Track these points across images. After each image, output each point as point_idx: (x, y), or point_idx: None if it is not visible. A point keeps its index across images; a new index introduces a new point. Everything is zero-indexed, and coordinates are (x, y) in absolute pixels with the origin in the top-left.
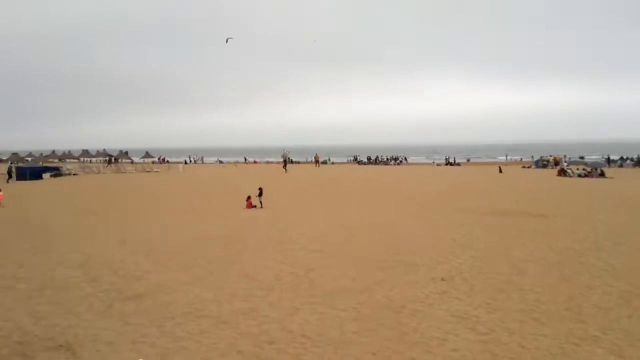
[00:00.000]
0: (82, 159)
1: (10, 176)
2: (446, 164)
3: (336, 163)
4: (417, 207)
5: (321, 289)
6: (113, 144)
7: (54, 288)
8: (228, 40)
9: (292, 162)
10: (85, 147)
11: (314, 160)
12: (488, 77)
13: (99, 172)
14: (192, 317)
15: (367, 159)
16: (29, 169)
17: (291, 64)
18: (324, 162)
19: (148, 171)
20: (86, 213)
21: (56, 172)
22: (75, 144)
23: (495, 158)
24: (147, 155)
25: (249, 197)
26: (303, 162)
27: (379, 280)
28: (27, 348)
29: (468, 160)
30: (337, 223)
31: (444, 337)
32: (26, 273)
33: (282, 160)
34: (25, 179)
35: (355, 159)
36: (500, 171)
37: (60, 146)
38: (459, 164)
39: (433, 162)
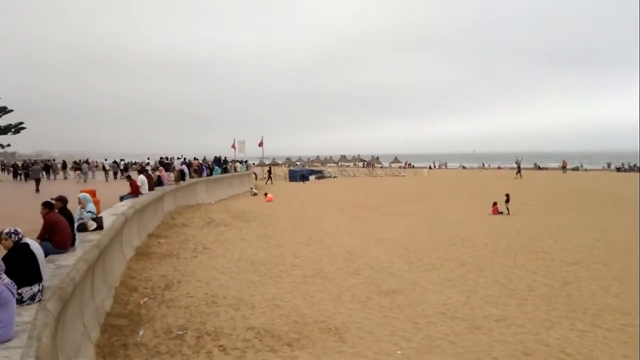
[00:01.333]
0: (340, 163)
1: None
2: None
3: (590, 170)
4: None
5: (580, 304)
6: (366, 150)
7: (323, 277)
8: None
9: (519, 168)
10: (342, 153)
11: (561, 166)
12: None
13: (354, 176)
14: (445, 317)
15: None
16: (299, 172)
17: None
18: (576, 169)
19: (396, 175)
20: (343, 209)
21: (319, 174)
22: (333, 150)
23: None
24: (396, 160)
25: (495, 203)
26: (551, 168)
27: None
28: (304, 328)
29: None
30: (599, 236)
31: None
32: (300, 262)
33: (515, 166)
34: (296, 180)
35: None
36: None
37: (322, 152)
38: None
39: None
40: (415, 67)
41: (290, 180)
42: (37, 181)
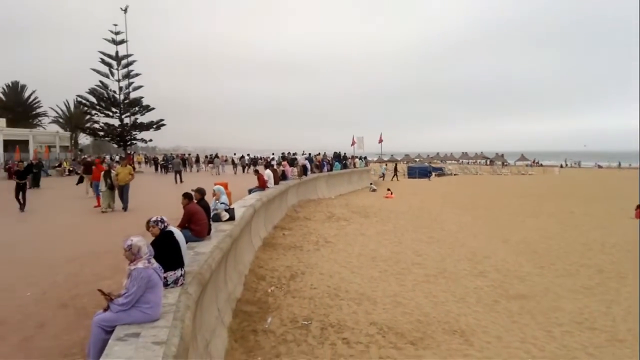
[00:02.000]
0: (461, 161)
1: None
2: None
3: None
4: None
5: None
6: (488, 147)
7: (446, 277)
8: None
9: None
10: (464, 150)
11: None
12: None
13: (476, 174)
14: (583, 327)
15: None
16: (418, 169)
17: None
18: None
19: (522, 174)
20: (465, 209)
21: (440, 172)
22: (454, 147)
23: None
24: (523, 158)
25: (638, 206)
26: None
27: None
28: (427, 327)
29: None
30: None
31: None
32: (422, 260)
33: None
34: (415, 177)
35: None
36: None
37: (443, 149)
38: None
39: None
40: (543, 62)
41: (409, 177)
42: (178, 173)
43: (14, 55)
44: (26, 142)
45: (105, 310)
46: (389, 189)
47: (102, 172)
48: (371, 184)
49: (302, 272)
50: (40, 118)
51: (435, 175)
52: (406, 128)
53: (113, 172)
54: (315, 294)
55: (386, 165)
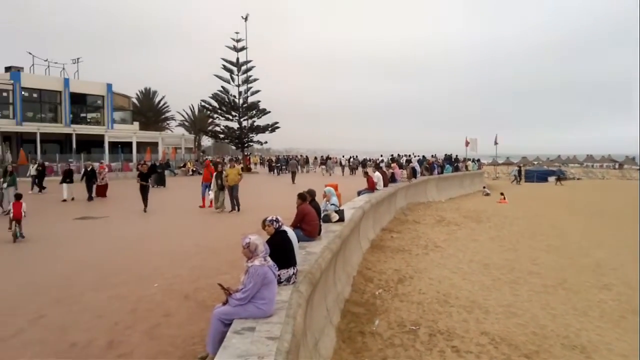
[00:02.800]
0: (584, 164)
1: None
2: None
3: None
4: None
5: None
6: (618, 150)
7: (566, 289)
8: None
9: None
10: (589, 152)
11: None
12: None
13: (602, 178)
14: None
15: None
16: (537, 172)
17: None
18: None
19: None
20: (589, 216)
21: (560, 175)
22: (577, 150)
23: None
24: None
25: None
26: None
27: None
28: (544, 341)
29: None
30: None
31: None
32: (538, 270)
33: None
34: (532, 181)
35: None
36: None
37: (564, 151)
38: None
39: None
40: None
41: (526, 181)
42: (294, 174)
43: (146, 63)
44: (156, 144)
45: (224, 303)
46: (502, 194)
47: (214, 174)
48: (484, 187)
49: (410, 276)
50: (168, 122)
51: (555, 179)
52: (525, 129)
53: (223, 174)
54: (424, 299)
55: (520, 167)
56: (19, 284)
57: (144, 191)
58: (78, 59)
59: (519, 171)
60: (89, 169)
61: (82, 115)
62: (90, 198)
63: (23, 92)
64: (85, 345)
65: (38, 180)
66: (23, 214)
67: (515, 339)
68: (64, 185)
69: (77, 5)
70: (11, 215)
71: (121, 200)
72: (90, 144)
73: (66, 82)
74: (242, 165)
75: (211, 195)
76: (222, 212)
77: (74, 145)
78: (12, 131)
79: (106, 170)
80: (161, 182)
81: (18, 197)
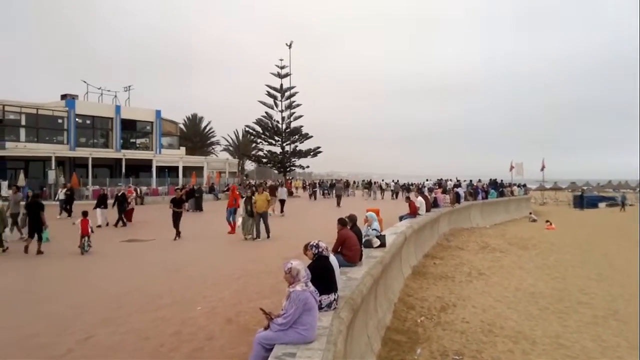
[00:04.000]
0: (638, 189)
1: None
2: None
3: None
4: None
5: None
6: None
7: (618, 320)
8: None
9: None
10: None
11: None
12: None
13: None
14: None
15: None
16: (586, 198)
17: None
18: None
19: None
20: None
21: (612, 201)
22: (631, 174)
23: None
24: None
25: None
26: None
27: None
28: None
29: None
30: None
31: None
32: (588, 299)
33: None
34: (582, 207)
35: None
36: None
37: (617, 175)
38: None
39: None
40: None
41: (575, 207)
42: (339, 197)
43: (193, 90)
44: (201, 169)
45: (266, 328)
46: (547, 221)
47: (244, 199)
48: (531, 213)
49: (453, 303)
50: (213, 146)
51: (606, 205)
52: (574, 153)
53: (252, 199)
54: (467, 327)
55: (583, 190)
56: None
57: (176, 218)
58: (129, 86)
59: (582, 196)
60: (119, 194)
61: (132, 140)
62: (123, 223)
63: (77, 119)
64: None
65: (67, 205)
66: (90, 229)
67: None
68: (98, 210)
69: (127, 37)
70: (80, 231)
71: (151, 225)
72: (139, 169)
73: (117, 109)
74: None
75: (239, 221)
76: (249, 239)
77: (124, 170)
78: (66, 156)
79: (133, 194)
80: (198, 206)
81: (84, 214)
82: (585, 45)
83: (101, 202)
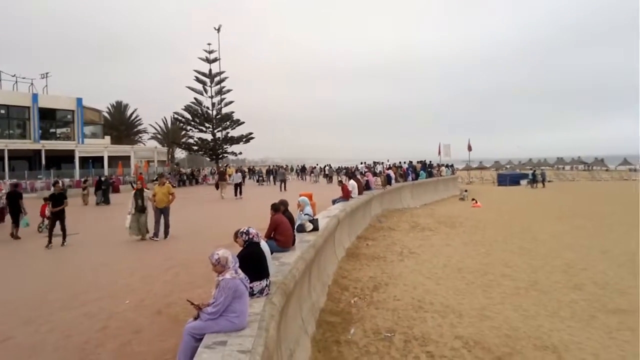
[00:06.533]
0: (555, 167)
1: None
2: None
3: None
4: None
5: None
6: (588, 152)
7: (538, 290)
8: None
9: None
10: (560, 155)
11: None
12: None
13: (573, 180)
14: None
15: None
16: (509, 176)
17: None
18: None
19: (626, 179)
20: (560, 218)
21: (532, 178)
22: (547, 153)
23: None
24: (625, 162)
25: None
26: None
27: None
28: (516, 342)
29: None
30: None
31: None
32: (511, 272)
33: None
34: (505, 185)
35: None
36: None
37: (535, 154)
38: None
39: None
40: None
41: (499, 185)
42: (283, 182)
43: (117, 77)
44: (128, 158)
45: (196, 318)
46: (473, 199)
47: (134, 192)
48: (465, 191)
49: (385, 283)
50: (140, 135)
51: (527, 182)
52: (497, 134)
53: (147, 192)
54: (399, 305)
55: (535, 170)
56: None
57: (55, 219)
58: (47, 73)
59: (534, 174)
60: None
61: (52, 130)
62: None
63: None
64: None
65: None
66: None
67: (488, 342)
68: None
69: (44, 18)
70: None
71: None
72: (61, 160)
73: (35, 97)
74: (218, 176)
75: (128, 219)
76: (143, 239)
77: (44, 162)
78: None
79: (2, 191)
80: (105, 199)
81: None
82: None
83: None
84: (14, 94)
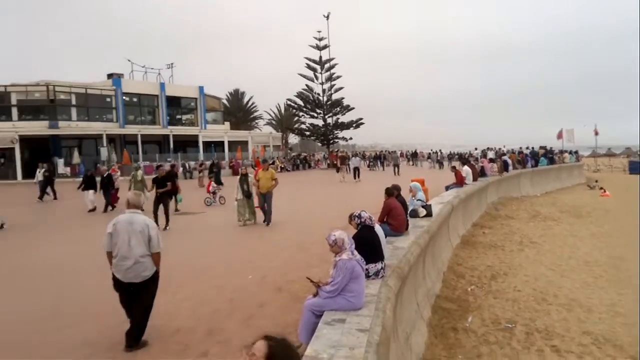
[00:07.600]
0: None
1: None
2: None
3: None
4: None
5: None
6: None
7: None
8: None
9: None
10: None
11: None
12: None
13: None
14: None
15: None
16: None
17: None
18: None
19: None
20: None
21: None
22: None
23: None
24: None
25: None
26: None
27: None
28: None
29: None
30: None
31: None
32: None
33: None
34: (638, 173)
35: None
36: None
37: None
38: None
39: None
40: None
41: (631, 173)
42: (397, 167)
43: (232, 64)
44: (246, 143)
45: (315, 295)
46: (602, 188)
47: (238, 177)
48: (596, 181)
49: (504, 272)
50: (256, 121)
51: None
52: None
53: (251, 177)
54: (520, 296)
55: None
56: None
57: (159, 202)
58: (172, 64)
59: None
60: (104, 175)
61: (178, 117)
62: (112, 207)
63: (124, 97)
64: (188, 332)
65: (47, 186)
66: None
67: (621, 340)
68: (88, 192)
69: (164, 14)
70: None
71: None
72: (186, 144)
73: (162, 86)
74: (329, 162)
75: (235, 205)
76: (248, 225)
77: (172, 146)
78: (116, 134)
79: (118, 173)
80: (217, 181)
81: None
82: None
83: (89, 183)
84: (144, 84)
